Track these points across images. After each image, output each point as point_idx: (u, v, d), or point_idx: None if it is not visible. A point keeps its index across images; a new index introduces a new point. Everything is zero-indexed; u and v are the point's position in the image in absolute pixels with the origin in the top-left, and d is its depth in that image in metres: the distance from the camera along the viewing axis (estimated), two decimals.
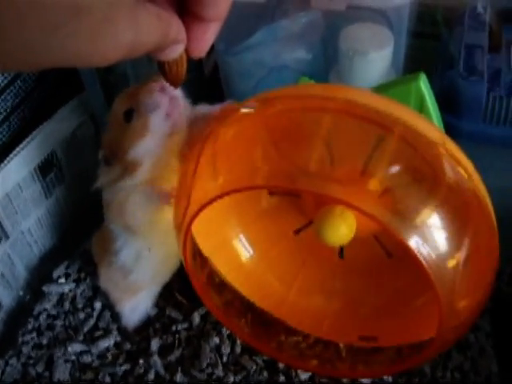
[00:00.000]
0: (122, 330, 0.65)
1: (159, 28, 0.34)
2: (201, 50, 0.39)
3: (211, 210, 0.47)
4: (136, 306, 0.64)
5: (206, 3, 0.36)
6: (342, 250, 0.56)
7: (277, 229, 0.58)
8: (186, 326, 0.64)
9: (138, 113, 0.54)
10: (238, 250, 0.58)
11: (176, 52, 0.37)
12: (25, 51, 0.29)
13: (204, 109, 0.56)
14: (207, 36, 0.38)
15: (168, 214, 0.53)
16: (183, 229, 0.49)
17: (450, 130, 0.45)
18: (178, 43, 0.37)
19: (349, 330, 0.56)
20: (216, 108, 0.56)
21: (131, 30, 0.31)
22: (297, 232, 0.57)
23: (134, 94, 0.54)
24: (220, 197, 0.44)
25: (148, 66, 0.78)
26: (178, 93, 0.54)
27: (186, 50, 0.38)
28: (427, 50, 0.73)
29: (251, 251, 0.59)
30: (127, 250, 0.60)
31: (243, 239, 0.58)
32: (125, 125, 0.55)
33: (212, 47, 0.39)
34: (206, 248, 0.55)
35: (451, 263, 0.42)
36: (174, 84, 0.41)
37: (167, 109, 0.53)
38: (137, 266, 0.60)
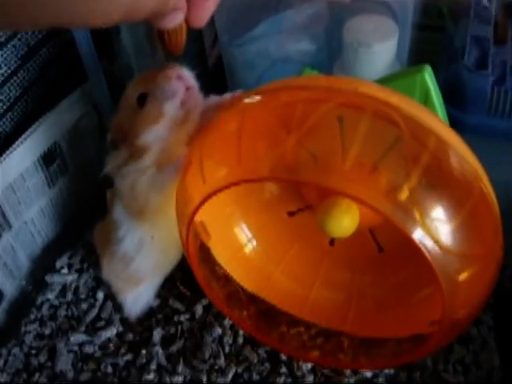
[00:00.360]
0: (124, 321, 0.65)
1: None
2: (201, 18, 0.39)
3: (214, 201, 0.47)
4: (138, 296, 0.65)
5: None
6: (332, 238, 0.56)
7: (274, 211, 0.58)
8: (188, 316, 0.64)
9: (153, 98, 0.54)
10: (240, 240, 0.58)
11: (176, 20, 0.37)
12: (22, 7, 0.28)
13: (215, 99, 0.56)
14: (208, 3, 0.38)
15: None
16: (186, 220, 0.49)
17: (455, 123, 0.45)
18: (178, 10, 0.37)
19: (349, 320, 0.56)
20: (227, 97, 0.56)
21: None
22: (291, 214, 0.57)
23: (150, 79, 0.54)
24: (224, 189, 0.44)
25: (151, 57, 0.78)
26: (194, 83, 0.54)
27: (186, 20, 0.38)
28: (432, 42, 0.73)
29: (251, 237, 0.59)
30: (130, 238, 0.60)
31: (245, 229, 0.58)
32: (137, 109, 0.55)
33: (216, 39, 0.39)
34: (208, 239, 0.55)
35: (455, 257, 0.42)
36: (174, 53, 0.41)
37: (183, 97, 0.53)
38: (139, 255, 0.60)
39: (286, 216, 0.58)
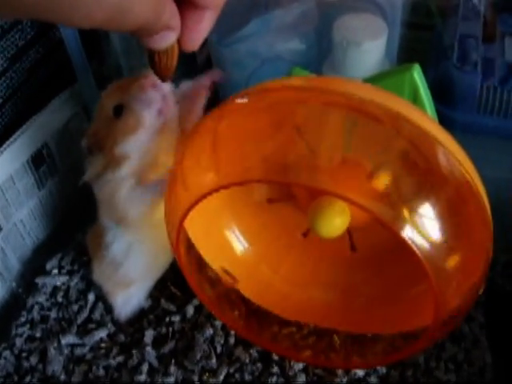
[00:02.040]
0: (115, 322, 0.65)
1: (152, 4, 0.32)
2: (194, 41, 0.38)
3: (203, 204, 0.47)
4: (128, 299, 0.64)
5: None
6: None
7: (268, 217, 0.58)
8: (179, 317, 0.64)
9: (129, 108, 0.54)
10: (231, 242, 0.58)
11: (167, 40, 0.36)
12: None
13: (187, 85, 0.56)
14: (202, 26, 0.37)
15: (159, 207, 0.52)
16: (176, 222, 0.49)
17: (444, 121, 0.45)
18: (171, 30, 0.36)
19: (342, 320, 0.56)
20: (204, 79, 0.55)
21: None
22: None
23: (124, 89, 0.54)
24: (213, 191, 0.44)
25: (141, 58, 0.78)
26: (169, 90, 0.54)
27: (179, 42, 0.37)
28: (421, 40, 0.73)
29: (245, 244, 0.58)
30: (118, 244, 0.60)
31: (236, 231, 0.58)
32: (114, 119, 0.55)
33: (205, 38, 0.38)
34: (198, 241, 0.55)
35: (445, 253, 0.42)
36: (163, 77, 0.40)
37: (159, 106, 0.53)
38: (127, 260, 0.60)
39: (280, 221, 0.58)
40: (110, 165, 0.55)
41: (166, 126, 0.54)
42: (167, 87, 0.54)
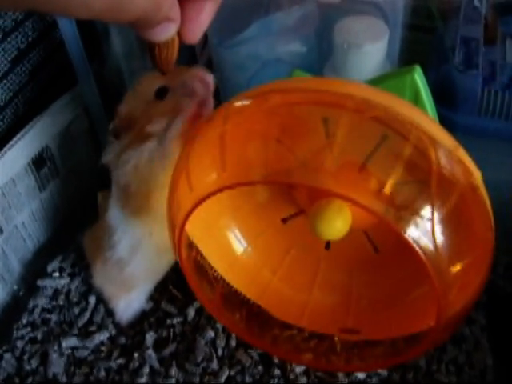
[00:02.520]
0: (116, 324, 0.65)
1: None
2: (194, 33, 0.37)
3: (205, 207, 0.46)
4: (130, 303, 0.65)
5: None
6: (328, 242, 0.56)
7: (269, 219, 0.58)
8: (180, 319, 0.64)
9: (174, 93, 0.55)
10: (231, 243, 0.58)
11: (168, 32, 0.36)
12: None
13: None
14: (202, 17, 0.36)
15: None
16: (178, 224, 0.49)
17: (445, 123, 0.45)
18: (170, 22, 0.35)
19: (341, 323, 0.56)
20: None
21: None
22: (285, 221, 0.57)
23: (172, 75, 0.54)
24: (217, 192, 0.44)
25: (142, 61, 0.78)
26: (212, 89, 0.55)
27: (179, 34, 0.37)
28: (422, 42, 0.73)
29: (245, 244, 0.58)
30: (125, 242, 0.60)
31: (237, 232, 0.58)
32: (154, 101, 0.56)
33: (206, 41, 0.38)
34: (199, 242, 0.55)
35: (448, 257, 0.42)
36: (163, 70, 0.39)
37: (202, 98, 0.55)
38: (134, 258, 0.60)
39: (281, 223, 0.58)
40: (132, 144, 0.56)
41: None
42: (212, 86, 0.55)
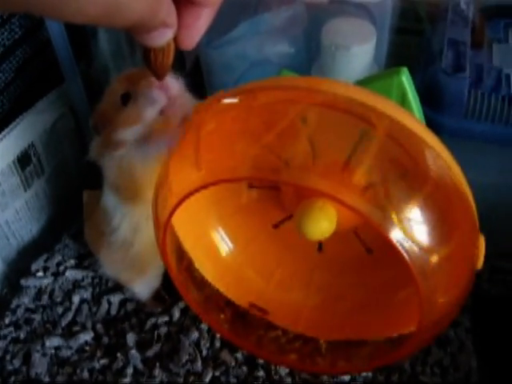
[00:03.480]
0: (100, 324, 0.64)
1: (148, 0, 0.32)
2: (191, 38, 0.37)
3: (191, 204, 0.46)
4: (148, 283, 0.65)
5: None
6: (320, 244, 0.56)
7: (257, 223, 0.57)
8: (165, 320, 0.63)
9: (134, 100, 0.54)
10: (217, 244, 0.58)
11: (164, 37, 0.35)
12: None
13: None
14: (199, 23, 0.36)
15: None
16: (162, 222, 0.48)
17: (432, 126, 0.45)
18: (167, 27, 0.35)
19: (328, 325, 0.56)
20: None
21: None
22: (276, 226, 0.57)
23: (135, 80, 0.55)
24: (200, 189, 0.44)
25: (130, 60, 0.78)
26: (177, 91, 0.54)
27: (175, 40, 0.36)
28: (410, 45, 0.74)
29: (230, 245, 0.58)
30: (125, 224, 0.60)
31: (222, 233, 0.58)
32: (120, 106, 0.55)
33: None
34: (185, 242, 0.55)
35: (432, 257, 0.42)
36: (158, 75, 0.39)
37: (163, 106, 0.53)
38: (136, 238, 0.60)
39: (272, 228, 0.57)
40: (108, 144, 0.56)
41: (168, 123, 0.54)
42: (175, 89, 0.54)
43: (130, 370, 0.59)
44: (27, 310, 0.67)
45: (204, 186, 0.44)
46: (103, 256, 0.64)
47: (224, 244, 0.58)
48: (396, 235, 0.40)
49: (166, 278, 0.59)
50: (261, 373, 0.58)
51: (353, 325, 0.55)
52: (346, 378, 0.57)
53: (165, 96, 0.53)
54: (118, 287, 0.68)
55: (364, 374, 0.57)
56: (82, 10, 0.29)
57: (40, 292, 0.68)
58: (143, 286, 0.65)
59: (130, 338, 0.62)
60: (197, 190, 0.44)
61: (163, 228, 0.49)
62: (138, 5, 0.31)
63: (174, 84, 0.54)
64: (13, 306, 0.67)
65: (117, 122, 0.55)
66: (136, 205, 0.58)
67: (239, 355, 0.60)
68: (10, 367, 0.61)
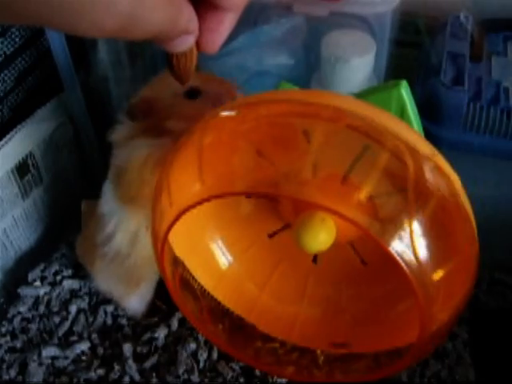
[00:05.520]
0: (97, 335, 0.64)
1: (167, 11, 0.31)
2: (214, 43, 0.36)
3: (189, 215, 0.46)
4: (142, 296, 0.64)
5: None
6: (315, 256, 0.56)
7: (255, 234, 0.57)
8: (162, 331, 0.63)
9: (206, 97, 0.56)
10: (215, 255, 0.58)
11: (186, 44, 0.35)
12: None
13: None
14: (222, 27, 0.35)
15: None
16: (161, 235, 0.48)
17: (431, 138, 0.45)
18: (189, 34, 0.34)
19: (326, 337, 0.56)
20: None
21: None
22: (271, 236, 0.57)
23: (204, 78, 0.56)
24: (199, 203, 0.44)
25: (129, 69, 0.78)
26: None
27: (198, 44, 0.36)
28: (409, 58, 0.74)
29: (228, 256, 0.58)
30: (122, 233, 0.59)
31: (220, 244, 0.58)
32: (183, 98, 0.56)
33: None
34: (182, 253, 0.55)
35: (432, 269, 0.42)
36: (181, 80, 0.38)
37: None
38: (133, 250, 0.59)
39: (267, 238, 0.57)
40: (147, 132, 0.56)
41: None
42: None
43: (126, 381, 0.59)
44: (24, 319, 0.67)
45: (200, 202, 0.44)
46: (97, 270, 0.64)
47: (222, 255, 0.58)
48: (395, 247, 0.40)
49: (162, 289, 0.58)
50: None
51: (353, 337, 0.55)
52: None
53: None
54: None
55: None
56: (97, 25, 0.28)
57: (37, 301, 0.68)
58: (137, 300, 0.65)
59: (127, 349, 0.62)
60: (194, 206, 0.44)
61: (162, 240, 0.49)
62: (157, 17, 0.30)
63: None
64: (9, 315, 0.67)
65: (176, 112, 0.55)
66: (135, 209, 0.58)
67: (236, 367, 0.59)
68: (5, 377, 0.61)
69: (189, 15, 0.33)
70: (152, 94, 0.57)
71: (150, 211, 0.54)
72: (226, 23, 0.35)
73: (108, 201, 0.59)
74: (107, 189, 0.60)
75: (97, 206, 0.61)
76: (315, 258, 0.57)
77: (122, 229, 0.59)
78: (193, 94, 0.56)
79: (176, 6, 0.32)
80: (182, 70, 0.37)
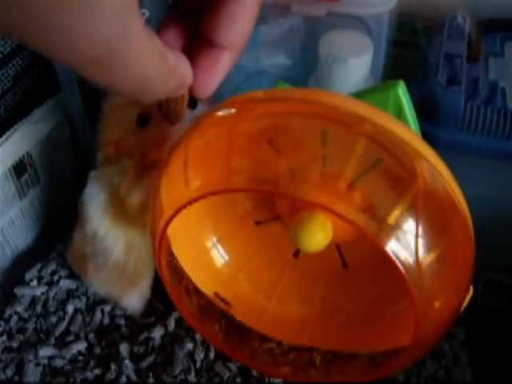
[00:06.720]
0: (93, 334, 0.64)
1: (158, 68, 0.28)
2: (207, 86, 0.33)
3: (186, 216, 0.46)
4: (140, 294, 0.64)
5: (220, 24, 0.31)
6: (297, 252, 0.57)
7: (252, 235, 0.57)
8: (159, 330, 0.63)
9: (158, 119, 0.55)
10: (212, 256, 0.58)
11: (177, 93, 0.32)
12: None
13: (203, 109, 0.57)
14: (217, 68, 0.33)
15: None
16: (158, 234, 0.48)
17: (428, 139, 0.45)
18: (182, 87, 0.31)
19: (323, 337, 0.56)
20: None
21: (116, 34, 0.25)
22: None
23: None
24: (196, 200, 0.44)
25: None
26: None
27: (190, 88, 0.33)
28: (406, 58, 0.74)
29: (226, 257, 0.58)
30: (119, 245, 0.59)
31: (218, 246, 0.58)
32: (138, 128, 0.56)
33: None
34: (180, 254, 0.55)
35: (427, 269, 0.42)
36: (170, 121, 0.37)
37: None
38: (131, 257, 0.60)
39: (269, 240, 0.57)
40: (137, 173, 0.56)
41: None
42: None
43: (123, 381, 0.59)
44: (21, 319, 0.67)
45: (197, 199, 0.44)
46: (93, 276, 0.64)
47: (220, 256, 0.58)
48: (391, 246, 0.40)
49: (160, 287, 0.58)
50: None
51: (347, 337, 0.55)
52: None
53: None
54: None
55: None
56: (77, 51, 0.25)
57: (34, 301, 0.68)
58: (137, 299, 0.65)
59: (124, 349, 0.62)
60: (190, 203, 0.44)
61: (159, 238, 0.49)
62: (160, 90, 0.29)
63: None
64: (6, 314, 0.67)
65: (143, 143, 0.55)
66: (129, 226, 0.58)
67: (233, 367, 0.59)
68: (2, 376, 0.61)
69: (184, 70, 0.31)
70: (114, 136, 0.58)
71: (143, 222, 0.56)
72: (221, 64, 0.33)
73: (99, 222, 0.60)
74: (97, 211, 0.60)
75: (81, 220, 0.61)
76: (296, 253, 0.57)
77: (119, 242, 0.60)
78: (143, 121, 0.55)
79: (168, 62, 0.29)
80: (171, 113, 0.36)
